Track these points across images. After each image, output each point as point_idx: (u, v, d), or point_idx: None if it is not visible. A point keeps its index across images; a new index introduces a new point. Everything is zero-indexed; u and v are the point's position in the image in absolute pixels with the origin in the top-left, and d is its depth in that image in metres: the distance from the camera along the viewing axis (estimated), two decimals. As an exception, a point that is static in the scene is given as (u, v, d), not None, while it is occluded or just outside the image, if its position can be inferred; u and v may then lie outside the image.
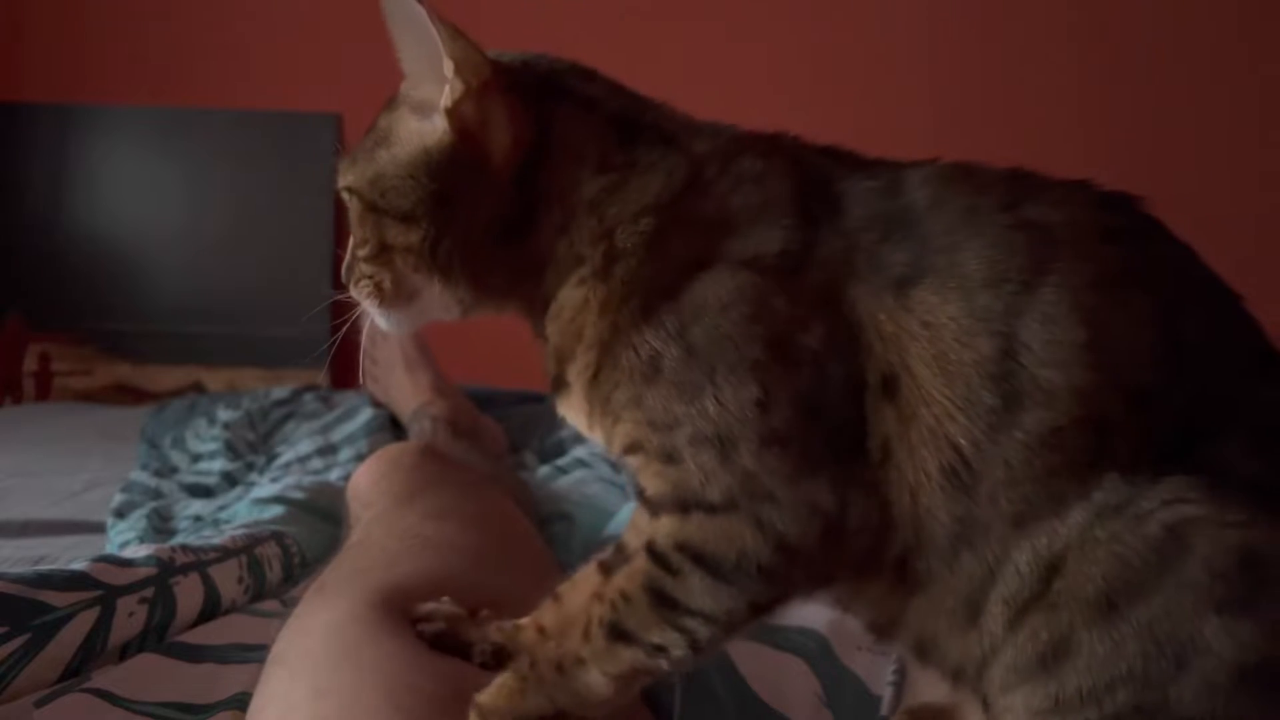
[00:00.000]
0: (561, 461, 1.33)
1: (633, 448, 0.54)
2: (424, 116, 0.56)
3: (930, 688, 0.68)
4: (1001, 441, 0.48)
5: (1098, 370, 0.48)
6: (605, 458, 1.31)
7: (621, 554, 0.62)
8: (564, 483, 1.22)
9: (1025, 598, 0.49)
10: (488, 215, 0.56)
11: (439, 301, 0.59)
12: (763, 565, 0.51)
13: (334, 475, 1.20)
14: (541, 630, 0.61)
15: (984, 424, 0.49)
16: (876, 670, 0.74)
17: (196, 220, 2.09)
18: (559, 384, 0.57)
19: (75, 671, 0.67)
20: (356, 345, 1.68)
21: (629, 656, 0.53)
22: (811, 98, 1.72)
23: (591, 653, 0.54)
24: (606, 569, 0.62)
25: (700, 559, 0.52)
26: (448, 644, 0.61)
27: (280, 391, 1.65)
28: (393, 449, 0.95)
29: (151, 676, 0.67)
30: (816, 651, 0.75)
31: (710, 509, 0.51)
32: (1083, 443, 0.48)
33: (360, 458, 1.19)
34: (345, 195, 0.60)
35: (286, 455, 1.32)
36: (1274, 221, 1.71)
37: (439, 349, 1.50)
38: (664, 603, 0.53)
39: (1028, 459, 0.48)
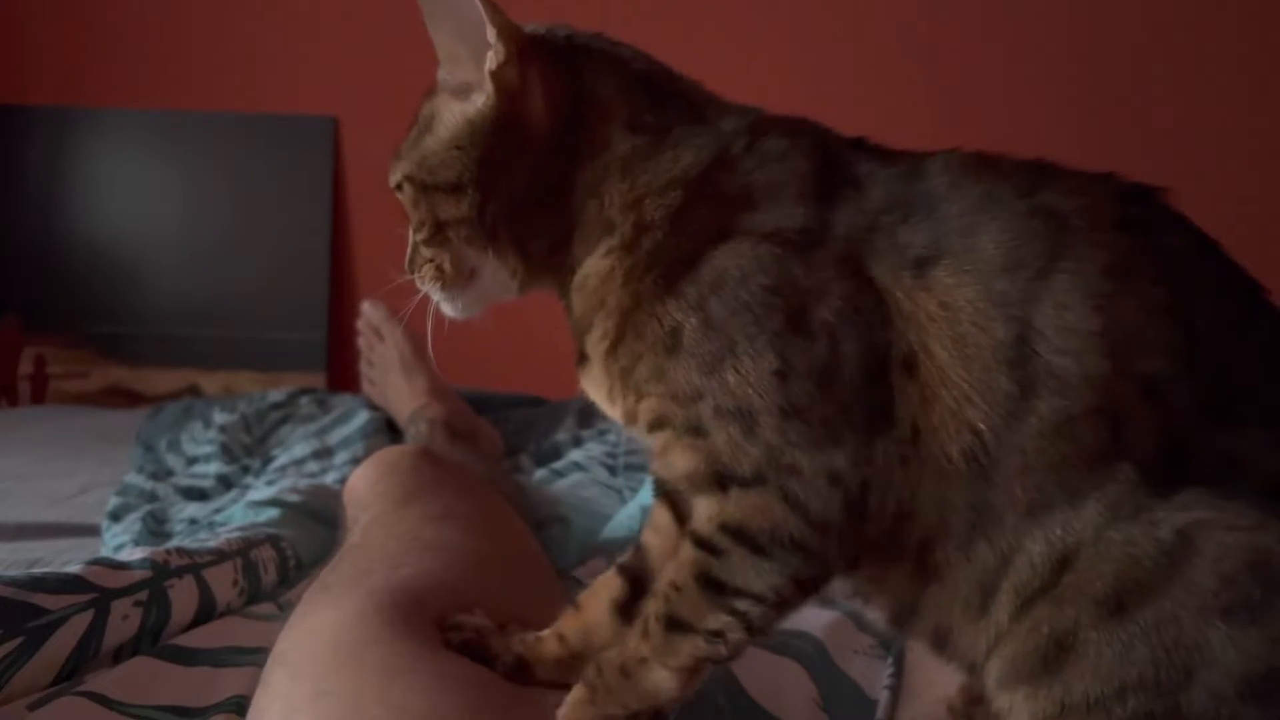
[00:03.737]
0: (557, 465, 1.33)
1: (658, 423, 0.55)
2: (464, 98, 0.58)
3: (929, 689, 0.68)
4: (1018, 429, 0.48)
5: (1110, 358, 0.48)
6: (602, 461, 1.31)
7: (640, 554, 0.63)
8: (560, 486, 1.22)
9: (1035, 588, 0.48)
10: (527, 176, 0.58)
11: (496, 277, 0.61)
12: (795, 538, 0.51)
13: (330, 478, 1.20)
14: (562, 639, 0.62)
15: (1002, 410, 0.49)
16: (873, 674, 0.74)
17: (193, 223, 2.09)
18: (581, 357, 0.58)
19: (69, 675, 0.67)
20: (354, 349, 1.68)
21: (689, 647, 0.54)
22: (802, 89, 1.72)
23: (653, 649, 0.54)
24: (625, 572, 0.62)
25: (740, 536, 0.52)
26: (473, 653, 0.61)
27: (276, 394, 1.65)
28: (390, 452, 0.95)
29: (146, 679, 0.66)
30: (813, 655, 0.75)
31: (744, 482, 0.52)
32: (1096, 432, 0.48)
33: (356, 461, 1.19)
34: (398, 192, 0.62)
35: (282, 458, 1.32)
36: (1272, 214, 1.71)
37: (436, 352, 1.49)
38: (712, 587, 0.53)
39: (1042, 447, 0.48)
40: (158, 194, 2.09)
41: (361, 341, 1.53)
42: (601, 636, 0.62)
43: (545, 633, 0.63)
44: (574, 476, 1.26)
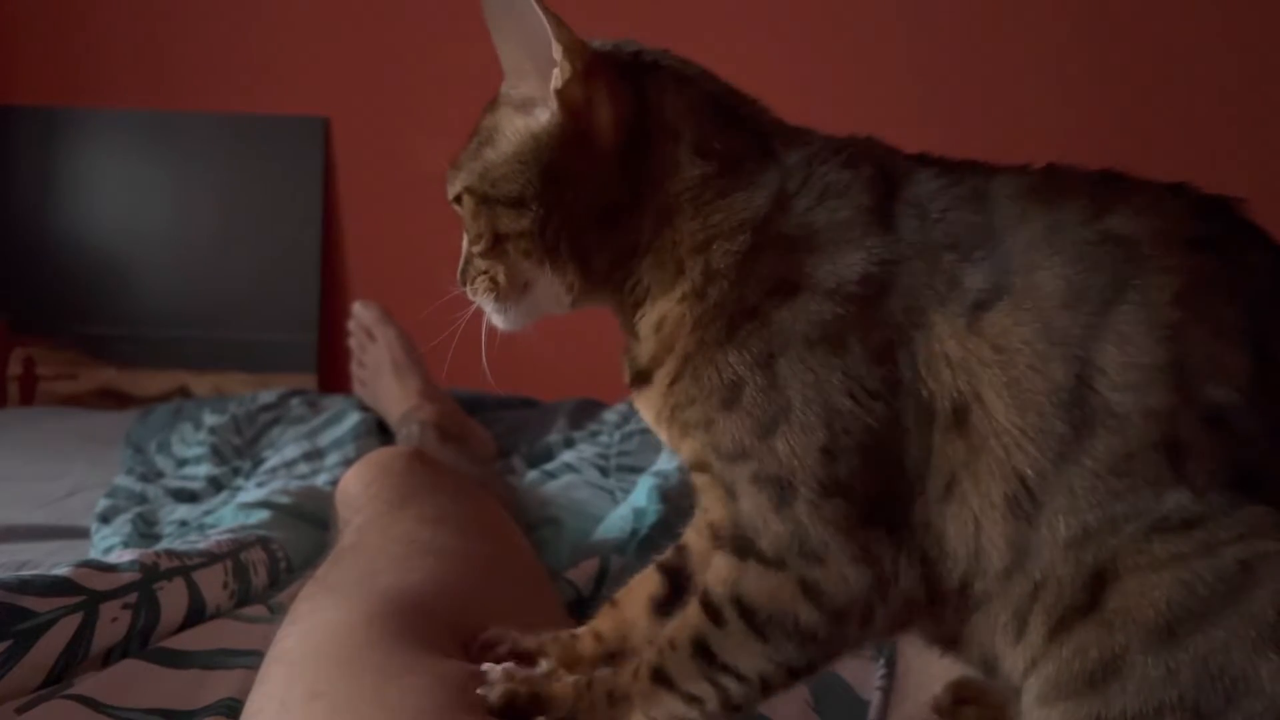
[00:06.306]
0: (549, 466, 1.32)
1: (699, 467, 0.55)
2: (527, 113, 0.58)
3: (922, 691, 0.68)
4: (1068, 470, 0.47)
5: (1175, 391, 0.46)
6: (594, 463, 1.31)
7: (680, 554, 0.63)
8: (552, 487, 1.22)
9: (1065, 606, 0.48)
10: (592, 193, 0.58)
11: (550, 291, 0.61)
12: (802, 626, 0.51)
13: (321, 480, 1.19)
14: (599, 637, 0.63)
15: (1052, 453, 0.47)
16: (865, 675, 0.74)
17: (183, 224, 2.08)
18: (643, 379, 0.58)
19: (58, 678, 0.67)
20: (346, 350, 1.67)
21: (668, 703, 0.54)
22: (794, 85, 1.72)
23: (638, 693, 0.55)
24: (665, 570, 0.63)
25: (747, 613, 0.52)
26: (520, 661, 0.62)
27: (267, 396, 1.64)
28: (382, 453, 0.95)
29: (135, 682, 0.66)
30: (805, 656, 0.75)
31: (762, 559, 0.52)
32: (1153, 467, 0.46)
33: (347, 462, 1.18)
34: (457, 205, 0.62)
35: (273, 460, 1.31)
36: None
37: (427, 353, 1.49)
38: (703, 654, 0.53)
39: (1093, 486, 0.47)
40: (148, 195, 2.08)
41: (353, 342, 1.53)
42: (639, 635, 0.63)
43: (580, 630, 0.63)
44: (566, 478, 1.25)
